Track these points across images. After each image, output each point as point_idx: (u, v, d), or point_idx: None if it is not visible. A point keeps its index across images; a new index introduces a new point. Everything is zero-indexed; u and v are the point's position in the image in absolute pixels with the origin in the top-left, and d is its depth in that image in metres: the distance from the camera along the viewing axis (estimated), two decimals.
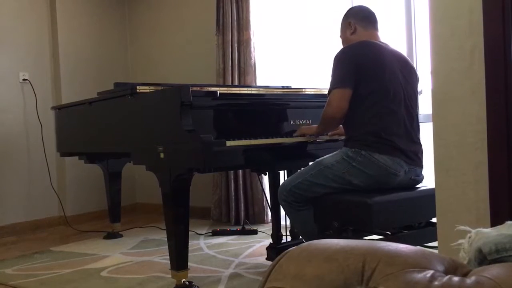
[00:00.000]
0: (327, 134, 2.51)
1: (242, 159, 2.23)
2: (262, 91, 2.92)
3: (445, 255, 0.82)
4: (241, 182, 3.87)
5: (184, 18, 4.41)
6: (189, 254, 2.38)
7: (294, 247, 0.86)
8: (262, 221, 3.83)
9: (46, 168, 4.11)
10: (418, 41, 3.16)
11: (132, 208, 4.74)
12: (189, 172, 2.20)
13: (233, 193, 3.88)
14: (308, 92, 2.83)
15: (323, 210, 2.13)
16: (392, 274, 0.71)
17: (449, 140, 1.46)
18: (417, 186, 2.22)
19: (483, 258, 0.83)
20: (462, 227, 0.91)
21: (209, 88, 2.51)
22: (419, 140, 2.24)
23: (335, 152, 2.17)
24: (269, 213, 3.64)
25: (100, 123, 2.89)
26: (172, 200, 2.25)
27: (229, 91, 2.73)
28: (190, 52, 4.36)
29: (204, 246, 3.22)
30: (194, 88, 2.23)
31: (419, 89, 3.14)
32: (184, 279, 2.31)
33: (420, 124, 3.11)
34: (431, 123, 1.53)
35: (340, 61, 2.15)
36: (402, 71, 2.19)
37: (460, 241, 0.90)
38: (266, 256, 2.72)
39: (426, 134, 2.96)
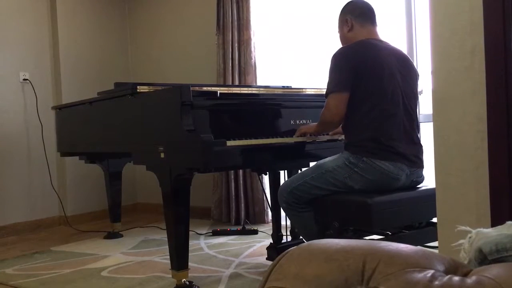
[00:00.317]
0: (328, 134, 2.51)
1: (243, 159, 2.23)
2: (262, 91, 2.92)
3: (446, 255, 0.82)
4: (241, 182, 3.87)
5: (185, 18, 4.41)
6: (190, 254, 2.38)
7: (295, 247, 0.86)
8: (263, 221, 3.83)
9: (46, 168, 4.12)
10: (418, 41, 3.16)
11: (133, 208, 4.74)
12: (190, 172, 2.20)
13: (233, 193, 3.88)
14: (309, 92, 2.83)
15: (324, 210, 2.13)
16: (393, 274, 0.71)
17: (450, 140, 1.46)
18: (418, 186, 2.22)
19: (483, 258, 0.83)
20: (463, 227, 0.91)
21: (210, 88, 2.51)
22: (419, 140, 2.23)
23: (336, 156, 2.15)
24: (270, 213, 3.63)
25: (100, 123, 2.89)
26: (173, 200, 2.25)
27: (229, 91, 2.73)
28: (191, 51, 4.36)
29: (204, 246, 3.22)
30: (195, 88, 2.23)
31: (419, 89, 3.13)
32: (184, 279, 2.31)
33: (421, 124, 3.10)
34: (432, 123, 1.53)
35: (337, 62, 2.13)
36: (401, 71, 2.16)
37: (461, 241, 0.90)
38: (266, 256, 2.72)
39: (427, 134, 2.97)
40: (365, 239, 2.11)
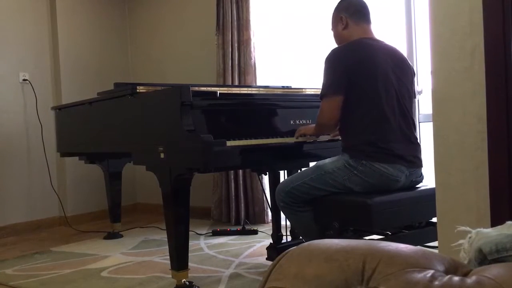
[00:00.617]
0: (328, 134, 2.50)
1: (242, 159, 2.23)
2: (262, 91, 2.92)
3: (446, 255, 0.82)
4: (241, 182, 3.87)
5: (184, 18, 4.42)
6: (190, 254, 2.38)
7: (294, 247, 0.86)
8: (262, 221, 3.83)
9: (46, 168, 4.11)
10: (418, 41, 3.16)
11: (133, 208, 4.74)
12: (189, 172, 2.20)
13: (233, 193, 3.88)
14: (308, 92, 2.83)
15: (324, 211, 2.13)
16: (393, 274, 0.71)
17: (450, 140, 1.46)
18: (417, 186, 2.22)
19: (483, 258, 0.83)
20: (462, 228, 0.91)
21: (209, 88, 2.51)
22: (417, 139, 2.22)
23: (336, 157, 2.14)
24: (269, 213, 3.64)
25: (100, 123, 2.89)
26: (172, 200, 2.25)
27: (229, 91, 2.73)
28: (190, 52, 4.36)
29: (204, 246, 3.22)
30: (194, 88, 2.23)
31: (419, 89, 3.14)
32: (184, 279, 2.31)
33: (421, 124, 3.10)
34: (432, 123, 1.53)
35: (330, 65, 2.12)
36: (395, 71, 2.14)
37: (461, 241, 0.90)
38: (266, 256, 2.72)
39: (426, 134, 2.97)
40: (365, 239, 2.11)
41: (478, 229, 0.88)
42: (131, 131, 2.50)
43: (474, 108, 1.40)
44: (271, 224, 2.87)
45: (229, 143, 2.12)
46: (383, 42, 2.24)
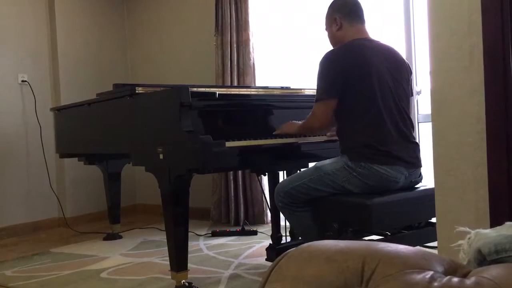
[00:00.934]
0: (325, 135, 2.50)
1: (242, 159, 2.23)
2: (261, 91, 2.92)
3: (445, 255, 0.82)
4: (240, 182, 3.87)
5: (183, 19, 4.42)
6: (189, 255, 2.38)
7: (294, 248, 0.86)
8: (262, 221, 3.83)
9: (45, 169, 4.11)
10: (417, 41, 3.16)
11: (132, 209, 4.74)
12: (189, 172, 2.20)
13: (232, 194, 3.88)
14: (307, 92, 2.83)
15: (323, 211, 2.13)
16: (392, 275, 0.71)
17: (449, 140, 1.46)
18: (416, 186, 2.22)
19: (482, 259, 0.83)
20: (462, 228, 0.91)
21: (208, 89, 2.51)
22: (415, 138, 2.22)
23: (335, 159, 2.14)
24: (269, 213, 3.63)
25: (99, 124, 2.88)
26: (172, 201, 2.25)
27: (228, 92, 2.73)
28: (189, 52, 4.36)
29: (203, 247, 3.22)
30: (193, 89, 2.23)
31: (418, 89, 3.14)
32: (184, 280, 2.31)
33: (420, 124, 3.10)
34: (431, 123, 1.53)
35: (324, 68, 2.11)
36: (391, 71, 2.13)
37: (460, 242, 0.90)
38: (266, 257, 2.72)
39: (426, 134, 2.97)
40: (364, 239, 2.11)
41: (477, 230, 0.88)
42: (130, 132, 2.50)
43: (473, 108, 1.40)
44: (270, 224, 2.87)
45: (228, 144, 2.12)
46: (378, 42, 2.23)
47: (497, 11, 1.31)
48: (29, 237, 3.89)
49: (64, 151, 3.47)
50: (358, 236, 2.09)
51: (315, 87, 2.16)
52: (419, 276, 0.71)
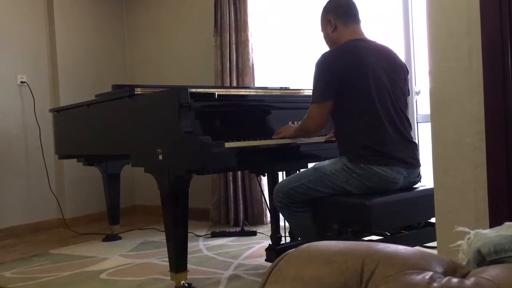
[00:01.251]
0: (323, 135, 2.50)
1: (241, 160, 2.22)
2: (260, 92, 2.92)
3: (444, 255, 0.82)
4: (240, 183, 3.86)
5: (182, 19, 4.41)
6: (188, 255, 2.38)
7: (293, 249, 0.86)
8: (261, 222, 3.83)
9: (44, 170, 4.11)
10: (416, 41, 3.16)
11: (131, 210, 4.74)
12: (188, 173, 2.20)
13: (232, 195, 3.87)
14: (306, 92, 2.82)
15: (322, 212, 2.13)
16: (391, 276, 0.71)
17: (448, 140, 1.46)
18: (416, 186, 2.22)
19: (482, 259, 0.83)
20: (461, 229, 0.91)
21: (208, 90, 2.51)
22: (413, 138, 2.21)
23: (334, 160, 2.13)
24: (268, 214, 3.63)
25: (98, 125, 2.88)
26: (171, 201, 2.25)
27: (227, 93, 2.73)
28: (188, 53, 4.36)
29: (203, 247, 3.22)
30: (192, 90, 2.23)
31: (417, 89, 3.14)
32: (183, 281, 2.31)
33: (419, 124, 3.10)
34: (430, 124, 1.53)
35: (320, 70, 2.11)
36: (387, 71, 2.13)
37: (459, 242, 0.90)
38: (265, 258, 2.72)
39: (425, 134, 2.97)
40: (364, 240, 2.11)
41: (477, 230, 0.88)
42: (129, 132, 2.50)
43: (472, 108, 1.40)
44: (270, 225, 2.87)
45: (228, 145, 2.12)
46: (374, 42, 2.22)
47: (495, 11, 1.31)
48: (28, 238, 3.88)
49: (63, 152, 3.47)
50: (358, 236, 2.09)
51: (312, 87, 2.16)
52: (418, 277, 0.71)
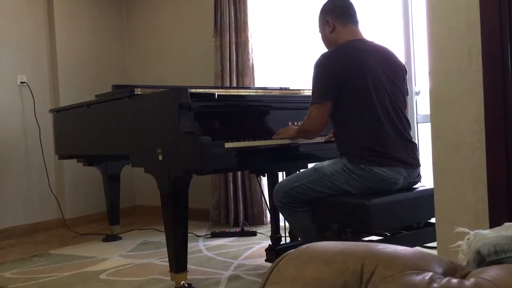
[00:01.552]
0: (323, 135, 2.50)
1: (241, 160, 2.22)
2: (260, 92, 2.92)
3: (444, 255, 0.82)
4: (240, 183, 3.86)
5: (182, 20, 4.41)
6: (188, 256, 2.38)
7: (293, 249, 0.86)
8: (261, 222, 3.83)
9: (44, 171, 4.10)
10: (415, 41, 3.16)
11: (131, 210, 4.74)
12: (188, 174, 2.20)
13: (232, 195, 3.87)
14: (306, 93, 2.82)
15: (322, 212, 2.13)
16: (391, 277, 0.71)
17: (448, 141, 1.46)
18: (416, 186, 2.22)
19: (481, 260, 0.83)
20: (461, 229, 0.91)
21: (207, 90, 2.51)
22: (412, 138, 2.21)
23: (334, 160, 2.13)
24: (268, 214, 3.63)
25: (98, 125, 2.88)
26: (171, 202, 2.25)
27: (227, 93, 2.73)
28: (188, 53, 4.36)
29: (203, 248, 3.22)
30: (192, 90, 2.23)
31: (417, 89, 3.14)
32: (183, 281, 2.31)
33: (418, 124, 3.10)
34: (429, 124, 1.53)
35: (318, 71, 2.10)
36: (386, 71, 2.12)
37: (459, 242, 0.90)
38: (265, 258, 2.72)
39: (424, 134, 2.97)
40: (364, 240, 2.11)
41: (477, 231, 0.88)
42: (129, 133, 2.50)
43: (472, 108, 1.40)
44: (269, 225, 2.86)
45: (228, 145, 2.12)
46: (372, 42, 2.22)
47: (495, 11, 1.31)
48: (28, 238, 3.88)
49: (63, 153, 3.47)
50: (358, 236, 2.09)
51: (311, 88, 2.16)
52: (418, 277, 0.71)
